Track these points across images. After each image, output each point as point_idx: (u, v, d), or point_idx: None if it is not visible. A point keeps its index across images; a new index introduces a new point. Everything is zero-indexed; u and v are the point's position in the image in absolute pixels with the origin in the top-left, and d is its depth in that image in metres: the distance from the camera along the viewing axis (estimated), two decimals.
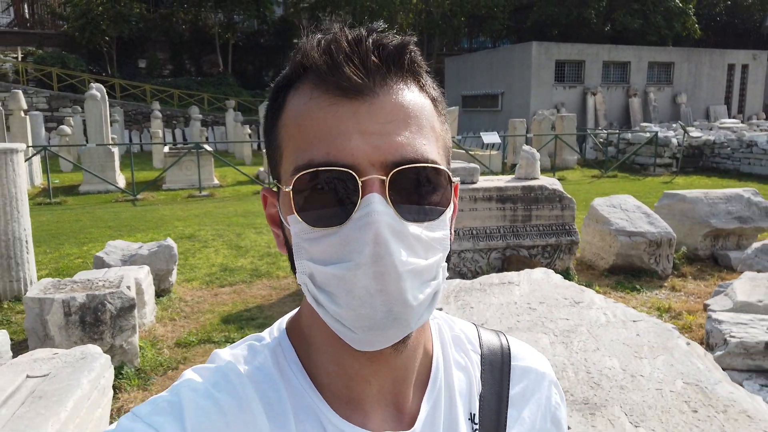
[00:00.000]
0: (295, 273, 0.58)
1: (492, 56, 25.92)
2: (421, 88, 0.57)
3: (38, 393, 2.81)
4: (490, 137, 14.88)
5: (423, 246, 0.53)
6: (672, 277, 6.08)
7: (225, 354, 0.63)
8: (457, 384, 0.67)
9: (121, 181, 13.30)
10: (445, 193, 0.56)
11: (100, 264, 5.23)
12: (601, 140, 17.20)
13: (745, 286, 4.54)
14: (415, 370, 0.64)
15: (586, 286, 5.31)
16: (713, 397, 2.45)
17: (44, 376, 2.99)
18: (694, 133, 15.86)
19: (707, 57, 24.99)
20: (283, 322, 0.68)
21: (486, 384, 0.69)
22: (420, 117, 0.55)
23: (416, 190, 0.53)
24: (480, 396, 0.68)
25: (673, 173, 14.94)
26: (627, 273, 6.11)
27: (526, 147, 6.68)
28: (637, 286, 5.76)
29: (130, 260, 5.28)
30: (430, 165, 0.53)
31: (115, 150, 13.38)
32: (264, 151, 13.40)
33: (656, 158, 15.05)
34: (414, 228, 0.53)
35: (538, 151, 15.62)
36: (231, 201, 11.84)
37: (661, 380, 2.60)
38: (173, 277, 5.72)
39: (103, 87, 14.18)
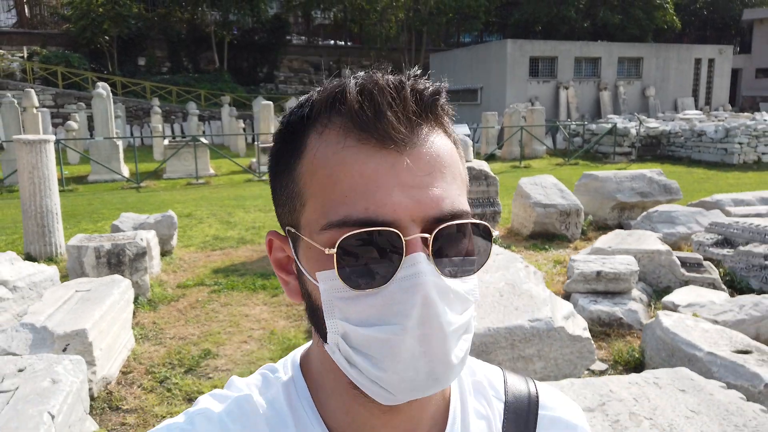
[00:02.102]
0: (315, 326, 0.56)
1: (472, 53, 27.25)
2: (447, 132, 0.55)
3: (85, 298, 4.21)
4: (459, 129, 16.28)
5: (459, 300, 0.52)
6: (578, 240, 7.47)
7: (241, 383, 0.64)
8: None
9: (125, 171, 14.67)
10: (483, 245, 0.55)
11: (116, 230, 6.63)
12: (570, 131, 18.57)
13: (606, 238, 5.96)
14: (428, 419, 0.61)
15: (506, 248, 6.73)
16: (518, 289, 3.85)
17: (87, 290, 4.39)
18: (652, 123, 17.24)
19: (675, 52, 26.40)
20: (297, 355, 0.66)
21: None
22: (452, 165, 0.54)
23: (456, 245, 0.52)
24: None
25: (630, 161, 16.32)
26: (543, 238, 7.51)
27: (461, 135, 8.07)
28: (547, 247, 7.16)
29: (140, 227, 6.67)
30: (472, 221, 0.53)
31: (120, 143, 14.76)
32: (257, 144, 14.59)
33: (615, 147, 16.43)
34: (453, 283, 0.51)
35: (507, 141, 17.01)
36: (225, 188, 13.24)
37: (492, 282, 3.99)
38: (174, 242, 7.12)
39: (107, 85, 15.52)
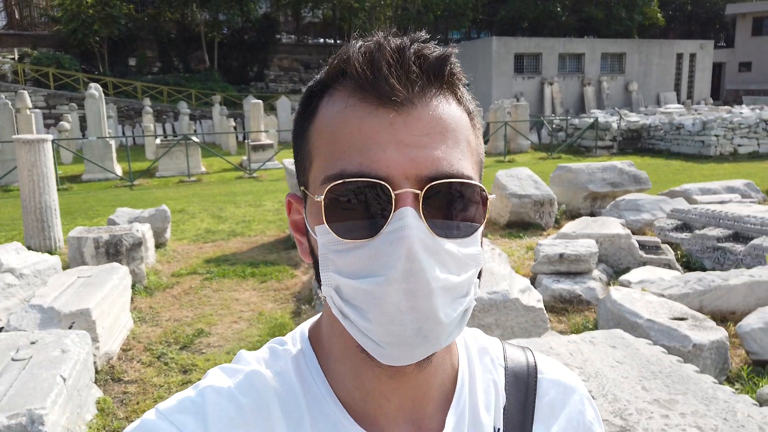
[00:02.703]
0: (319, 284, 0.57)
1: (459, 50, 27.59)
2: (459, 100, 0.56)
3: (87, 283, 4.58)
4: None
5: (456, 262, 0.52)
6: (552, 229, 7.90)
7: (249, 356, 0.64)
8: (482, 398, 0.65)
9: (118, 170, 14.99)
10: (479, 209, 0.54)
11: (112, 223, 6.99)
12: (554, 126, 19.04)
13: (573, 224, 6.38)
14: (437, 387, 0.62)
15: (483, 236, 7.15)
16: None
17: (88, 276, 4.76)
18: (632, 117, 17.73)
19: (657, 47, 26.96)
20: (305, 328, 0.67)
21: (510, 396, 0.66)
22: (456, 131, 0.54)
23: (450, 206, 0.52)
24: (504, 409, 0.66)
25: (612, 154, 16.79)
26: (519, 226, 7.93)
27: None
28: (521, 235, 7.58)
29: (135, 220, 7.03)
30: (465, 181, 0.52)
31: (113, 142, 15.06)
32: (248, 142, 14.98)
33: (597, 141, 16.89)
34: (447, 244, 0.52)
35: (492, 136, 17.43)
36: (216, 185, 13.59)
37: None
38: (168, 234, 7.49)
39: (99, 86, 15.81)
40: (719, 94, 33.35)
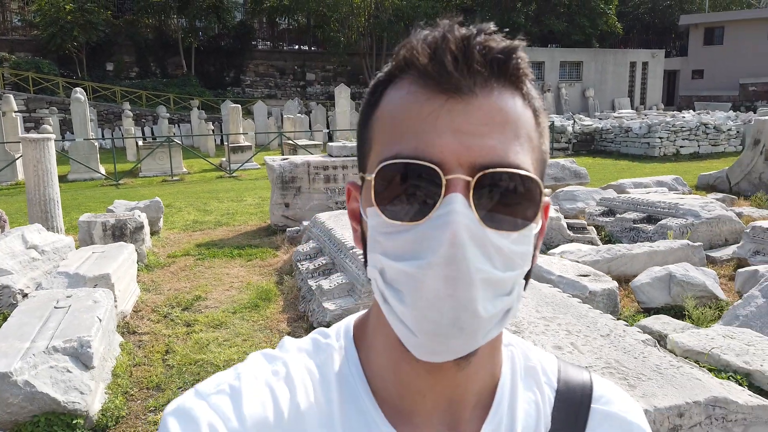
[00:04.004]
0: (366, 267, 0.57)
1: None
2: (523, 96, 0.54)
3: (102, 256, 5.47)
4: None
5: (502, 257, 0.51)
6: None
7: (292, 344, 0.65)
8: (521, 417, 0.62)
9: (102, 170, 15.68)
10: (533, 206, 0.52)
11: (111, 213, 7.83)
12: None
13: None
14: (475, 393, 0.61)
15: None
16: None
17: (102, 252, 5.64)
18: (586, 121, 19.07)
19: (612, 56, 28.64)
20: (351, 321, 0.68)
21: (556, 422, 0.63)
22: (517, 124, 0.52)
23: (503, 197, 0.50)
24: None
25: (567, 155, 18.07)
26: None
27: None
28: None
29: (131, 210, 7.89)
30: (519, 172, 0.50)
31: (97, 144, 15.76)
32: (227, 144, 15.83)
33: (554, 143, 18.17)
34: (495, 236, 0.50)
35: None
36: (199, 183, 14.41)
37: None
38: (161, 223, 8.36)
39: (83, 90, 16.49)
40: (674, 100, 35.25)
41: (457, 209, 0.49)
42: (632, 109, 26.73)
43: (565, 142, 18.35)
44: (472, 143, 0.50)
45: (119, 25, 30.81)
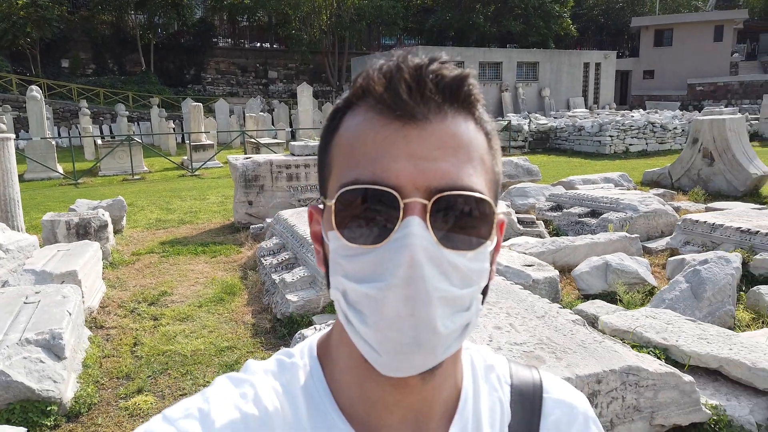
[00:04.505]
0: (329, 288, 0.59)
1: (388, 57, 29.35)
2: (476, 120, 0.57)
3: (67, 254, 5.59)
4: None
5: (459, 275, 0.53)
6: None
7: (257, 366, 0.66)
8: (486, 415, 0.66)
9: (59, 169, 15.46)
10: (487, 226, 0.55)
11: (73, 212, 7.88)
12: None
13: None
14: (441, 402, 0.63)
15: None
16: None
17: (67, 250, 5.76)
18: (542, 120, 19.76)
19: (566, 57, 29.64)
20: (314, 340, 0.69)
21: (515, 414, 0.68)
22: (470, 148, 0.55)
23: (458, 219, 0.53)
24: (509, 426, 0.67)
25: (524, 153, 18.69)
26: None
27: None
28: None
29: (94, 209, 7.96)
30: (472, 194, 0.53)
31: (54, 142, 15.52)
32: (189, 142, 15.83)
33: (511, 141, 18.77)
34: (451, 255, 0.52)
35: None
36: (160, 182, 14.38)
37: None
38: (124, 222, 8.45)
39: (39, 88, 16.19)
40: (626, 100, 36.59)
41: (415, 231, 0.51)
42: (586, 108, 27.72)
43: (522, 141, 18.97)
44: (427, 167, 0.52)
45: (74, 21, 30.12)
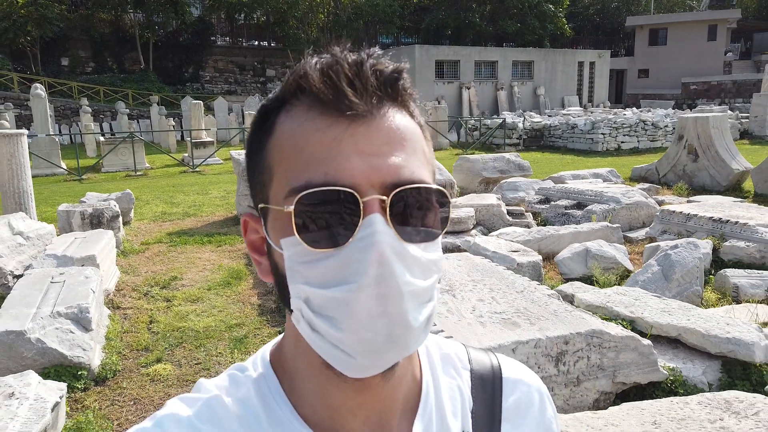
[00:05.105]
0: (283, 300, 0.58)
1: (386, 56, 29.84)
2: (411, 113, 0.58)
3: (85, 241, 5.99)
4: None
5: (421, 268, 0.54)
6: None
7: (209, 384, 0.64)
8: (448, 405, 0.67)
9: (63, 166, 15.83)
10: (440, 216, 0.56)
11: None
12: (470, 126, 21.27)
13: (461, 198, 8.26)
14: (402, 398, 0.63)
15: None
16: None
17: (84, 237, 6.16)
18: (536, 118, 20.21)
19: (561, 56, 30.16)
20: (266, 351, 0.68)
21: (477, 399, 0.69)
22: (413, 140, 0.56)
23: (414, 212, 0.53)
24: (472, 412, 0.68)
25: (519, 150, 19.12)
26: None
27: None
28: None
29: (105, 201, 8.35)
30: (429, 186, 0.54)
31: (58, 139, 15.89)
32: (190, 139, 16.14)
33: (506, 139, 19.20)
34: (412, 249, 0.53)
35: None
36: (162, 178, 14.77)
37: None
38: (132, 214, 8.84)
39: (42, 86, 16.55)
40: (621, 98, 37.08)
41: (379, 229, 0.50)
42: (581, 106, 28.20)
43: (517, 138, 19.41)
44: (379, 163, 0.52)
45: (74, 20, 30.43)
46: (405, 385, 0.64)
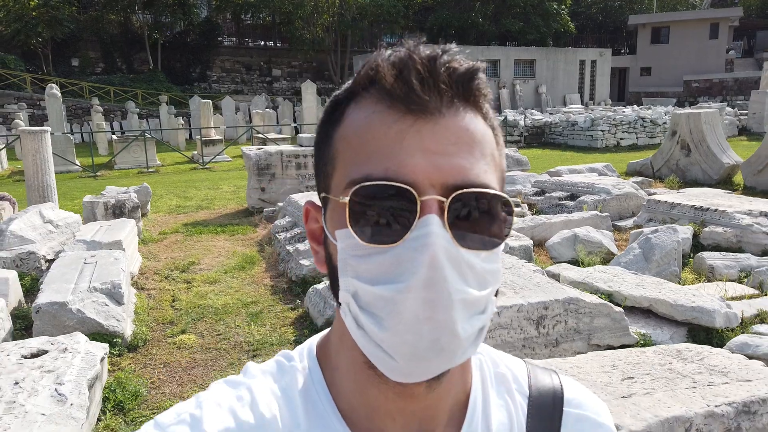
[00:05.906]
0: (335, 292, 0.57)
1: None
2: (485, 116, 0.56)
3: (110, 228, 6.48)
4: None
5: (476, 276, 0.51)
6: None
7: (256, 369, 0.65)
8: (495, 426, 0.64)
9: (77, 163, 16.37)
10: (504, 224, 0.53)
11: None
12: None
13: None
14: (446, 410, 0.61)
15: None
16: None
17: (109, 225, 6.65)
18: (537, 116, 20.62)
19: (562, 55, 30.55)
20: (313, 342, 0.68)
21: (530, 429, 0.65)
22: (483, 143, 0.54)
23: (474, 217, 0.51)
24: None
25: (520, 147, 19.55)
26: None
27: None
28: None
29: (124, 194, 8.85)
30: (491, 191, 0.52)
31: (72, 137, 16.43)
32: (199, 137, 16.70)
33: (507, 136, 19.62)
34: (468, 256, 0.51)
35: None
36: (174, 174, 15.29)
37: None
38: (149, 207, 9.34)
39: (57, 86, 17.09)
40: (624, 96, 37.40)
41: (434, 231, 0.49)
42: (582, 104, 28.59)
43: (518, 135, 19.83)
44: (443, 163, 0.51)
45: (84, 21, 31.04)
46: (452, 397, 0.62)
